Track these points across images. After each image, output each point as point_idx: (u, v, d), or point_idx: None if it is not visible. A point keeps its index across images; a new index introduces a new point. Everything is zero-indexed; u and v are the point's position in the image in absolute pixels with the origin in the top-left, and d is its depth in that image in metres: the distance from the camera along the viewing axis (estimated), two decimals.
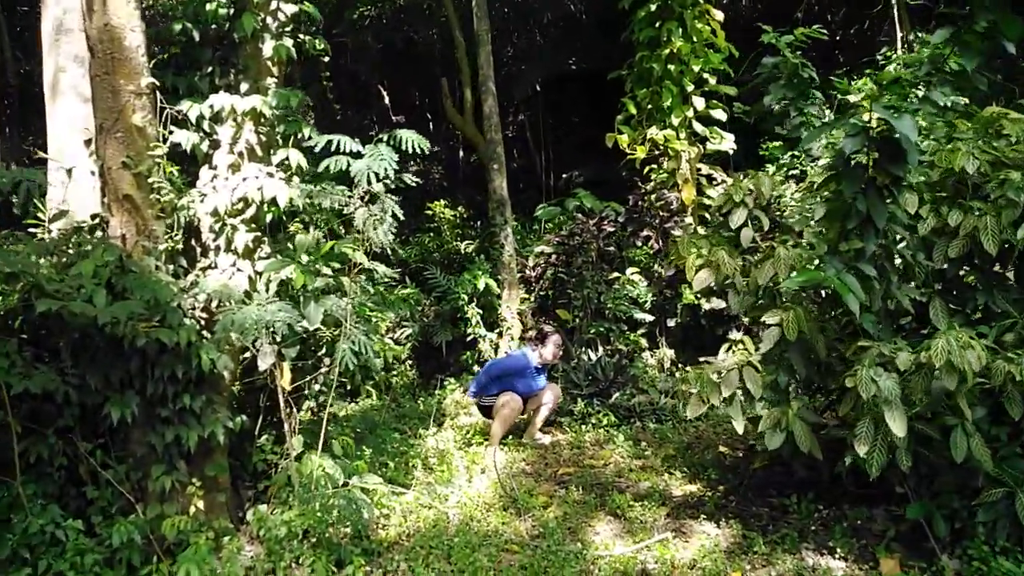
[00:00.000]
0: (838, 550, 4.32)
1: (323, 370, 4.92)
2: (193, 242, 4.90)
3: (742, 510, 5.02)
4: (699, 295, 7.70)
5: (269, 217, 4.69)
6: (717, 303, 7.66)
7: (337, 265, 4.65)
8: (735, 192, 4.83)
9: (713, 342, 8.08)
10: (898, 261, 4.33)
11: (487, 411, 6.71)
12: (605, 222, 8.01)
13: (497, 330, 9.34)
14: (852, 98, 5.81)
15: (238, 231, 4.74)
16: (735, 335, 4.56)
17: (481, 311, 9.12)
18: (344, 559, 4.45)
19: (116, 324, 4.04)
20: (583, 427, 7.01)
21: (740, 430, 4.33)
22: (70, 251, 4.47)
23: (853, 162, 3.91)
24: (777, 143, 10.90)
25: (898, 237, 4.13)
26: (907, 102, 3.67)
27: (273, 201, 4.63)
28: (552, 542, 4.66)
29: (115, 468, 4.45)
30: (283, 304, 4.22)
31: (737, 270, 4.63)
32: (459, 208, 12.52)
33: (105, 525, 4.31)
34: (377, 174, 4.11)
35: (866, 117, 3.80)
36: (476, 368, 9.34)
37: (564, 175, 14.26)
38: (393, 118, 16.98)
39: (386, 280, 5.07)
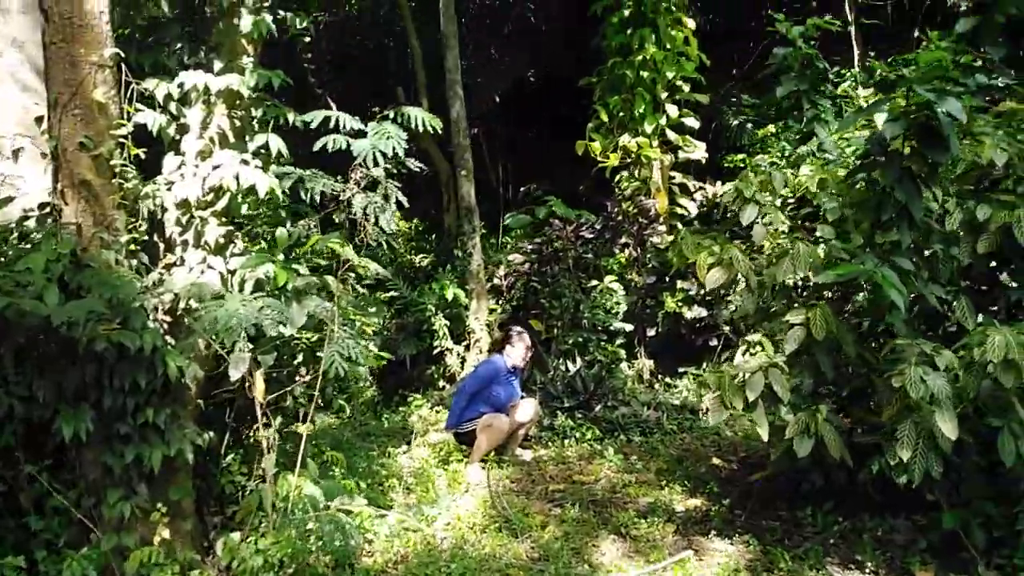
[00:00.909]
0: (868, 564, 4.05)
1: (301, 380, 4.44)
2: (155, 236, 4.38)
3: (753, 524, 4.72)
4: (680, 303, 7.46)
5: (244, 209, 4.21)
6: (699, 311, 7.44)
7: (323, 262, 4.21)
8: (745, 187, 4.58)
9: (693, 352, 7.87)
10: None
11: (468, 438, 6.24)
12: (583, 228, 7.72)
13: (464, 343, 8.93)
14: (862, 92, 5.68)
15: (208, 224, 4.26)
16: (755, 340, 4.25)
17: (448, 323, 8.70)
18: None
19: (73, 326, 3.52)
20: (566, 442, 6.64)
21: (764, 437, 4.03)
22: (14, 243, 3.92)
23: (890, 149, 3.69)
24: (740, 155, 10.87)
25: (929, 232, 3.92)
26: (950, 85, 3.48)
27: (250, 191, 4.17)
28: (559, 565, 4.27)
29: (64, 494, 3.89)
30: (270, 300, 3.76)
31: (751, 268, 4.36)
32: (414, 221, 12.09)
33: (52, 561, 3.75)
34: (384, 154, 3.70)
35: (901, 103, 3.59)
36: (442, 383, 8.91)
37: (522, 188, 13.96)
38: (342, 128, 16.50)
39: (367, 281, 4.63)
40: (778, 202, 5.57)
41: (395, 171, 3.92)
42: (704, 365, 7.74)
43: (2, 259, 3.83)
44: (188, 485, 4.22)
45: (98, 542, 3.83)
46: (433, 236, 12.47)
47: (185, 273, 4.21)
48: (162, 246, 4.38)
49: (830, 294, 4.60)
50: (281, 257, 4.27)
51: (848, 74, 12.48)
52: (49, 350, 3.84)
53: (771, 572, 4.08)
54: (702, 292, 7.53)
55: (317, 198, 4.38)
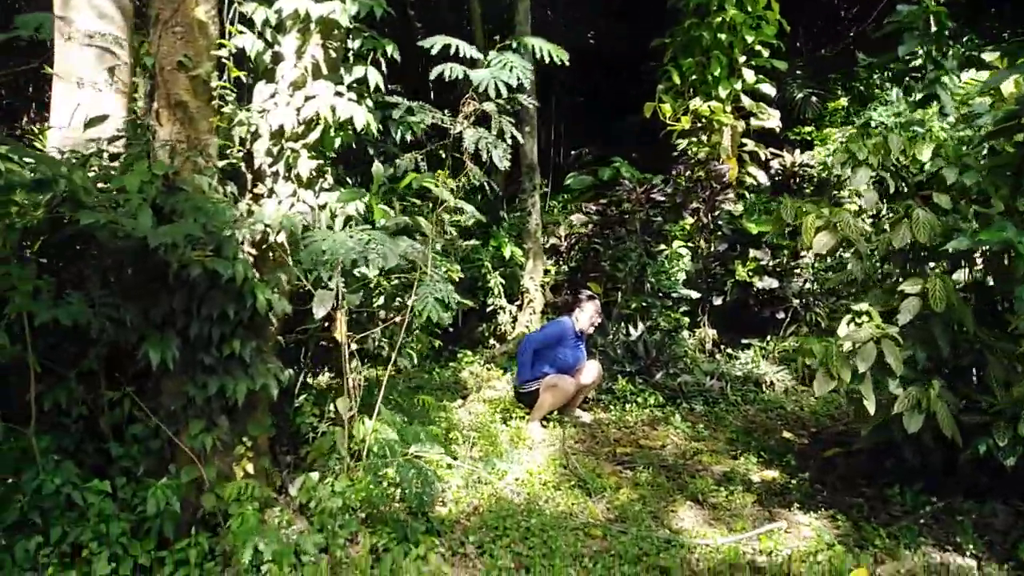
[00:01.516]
0: (968, 547, 3.87)
1: (389, 321, 4.32)
2: (243, 166, 4.25)
3: (836, 500, 4.56)
4: (751, 273, 7.24)
5: (337, 142, 4.06)
6: (769, 282, 7.22)
7: (418, 201, 4.07)
8: (858, 150, 4.35)
9: (758, 324, 7.67)
10: None
11: (529, 398, 6.11)
12: (654, 191, 7.48)
13: (517, 302, 8.80)
14: (987, 56, 5.39)
15: (300, 156, 4.11)
16: (862, 310, 4.05)
17: (503, 281, 8.56)
18: (409, 537, 3.89)
19: (170, 249, 3.41)
20: (627, 406, 6.50)
21: (872, 411, 3.85)
22: (95, 163, 3.82)
23: None
24: (808, 128, 10.54)
25: None
26: None
27: (345, 124, 4.03)
28: (640, 527, 4.15)
29: (145, 422, 3.81)
30: (376, 234, 3.62)
31: (862, 233, 4.15)
32: (462, 179, 11.88)
33: (129, 488, 3.69)
34: (509, 86, 3.51)
35: None
36: (492, 341, 8.80)
37: (573, 151, 13.73)
38: (388, 86, 16.30)
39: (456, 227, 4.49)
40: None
41: (506, 107, 3.74)
42: (768, 338, 7.55)
43: (92, 178, 3.73)
44: (267, 422, 4.14)
45: (177, 472, 3.76)
46: (479, 196, 12.29)
47: (275, 205, 4.09)
48: (250, 176, 4.25)
49: (936, 265, 4.39)
50: (366, 195, 4.14)
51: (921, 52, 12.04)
52: (136, 274, 3.75)
53: (863, 548, 3.92)
54: (773, 262, 7.31)
55: (408, 136, 4.23)
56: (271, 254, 4.20)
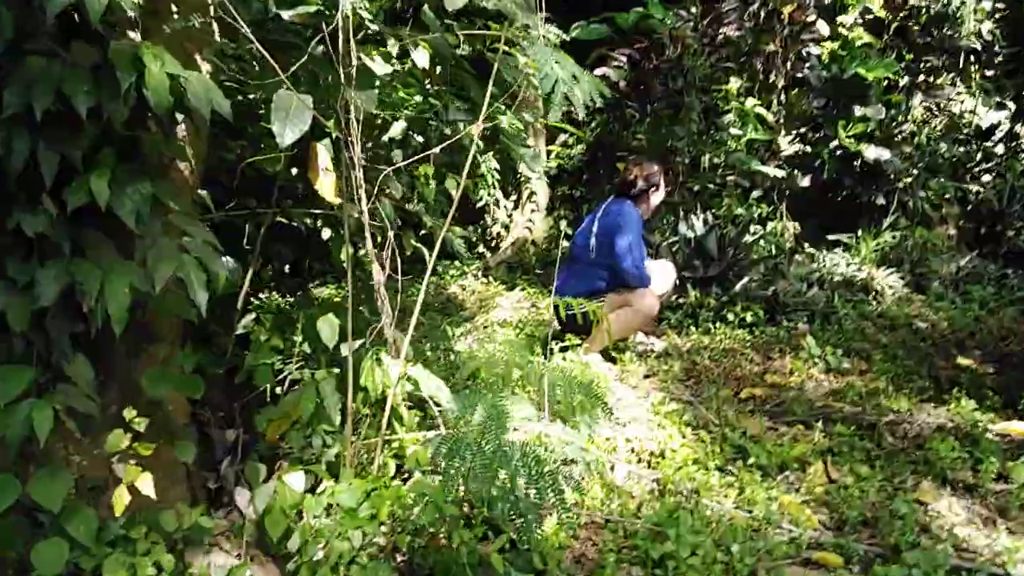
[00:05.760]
0: None
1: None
2: None
3: None
4: (853, 139, 5.25)
5: None
6: (879, 152, 5.27)
7: None
8: None
9: (845, 213, 5.77)
10: None
11: (580, 319, 4.02)
12: (726, 23, 5.32)
13: (514, 196, 6.66)
14: None
15: None
16: None
17: (496, 167, 6.38)
18: None
19: None
20: (714, 326, 4.54)
21: None
22: None
23: None
24: None
25: None
26: None
27: None
28: (908, 543, 2.25)
29: None
30: None
31: None
32: None
33: None
34: None
35: None
36: (483, 249, 6.67)
37: None
38: None
39: None
40: None
41: None
42: (859, 232, 5.69)
43: None
44: (188, 361, 1.98)
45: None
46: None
47: None
48: None
49: None
50: None
51: None
52: None
53: None
54: (891, 123, 5.25)
55: None
56: None
